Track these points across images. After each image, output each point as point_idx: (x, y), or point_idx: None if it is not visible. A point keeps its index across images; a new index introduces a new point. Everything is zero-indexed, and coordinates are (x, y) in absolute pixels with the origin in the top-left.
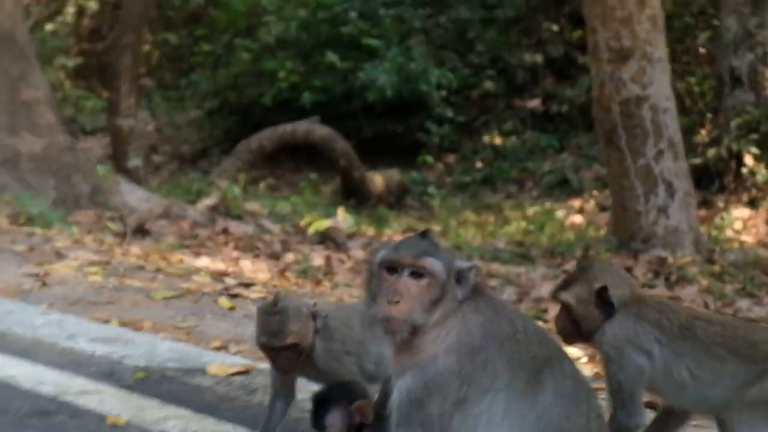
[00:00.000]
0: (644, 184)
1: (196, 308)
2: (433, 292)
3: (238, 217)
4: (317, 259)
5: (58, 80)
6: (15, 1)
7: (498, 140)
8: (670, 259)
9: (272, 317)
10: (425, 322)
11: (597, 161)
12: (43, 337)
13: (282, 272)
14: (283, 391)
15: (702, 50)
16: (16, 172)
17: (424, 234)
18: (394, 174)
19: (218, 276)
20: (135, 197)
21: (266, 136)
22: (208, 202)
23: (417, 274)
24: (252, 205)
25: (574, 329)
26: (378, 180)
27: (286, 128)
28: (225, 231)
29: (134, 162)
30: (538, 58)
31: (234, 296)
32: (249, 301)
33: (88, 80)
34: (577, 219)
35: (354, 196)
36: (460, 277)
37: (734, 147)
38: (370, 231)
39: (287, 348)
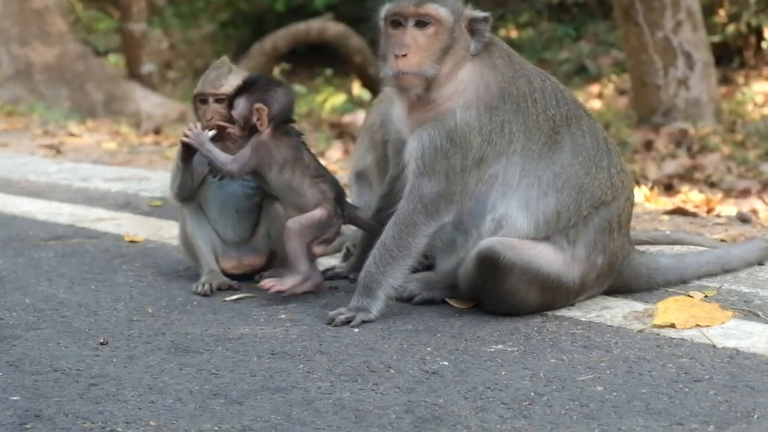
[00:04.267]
0: (663, 57)
1: None
2: (441, 40)
3: None
4: (336, 152)
5: (69, 3)
6: None
7: (514, 33)
8: (692, 131)
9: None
10: (436, 72)
11: (614, 47)
12: (57, 181)
13: None
14: None
15: None
16: (30, 83)
17: None
18: None
19: None
20: (150, 103)
21: (280, 37)
22: None
23: (422, 23)
24: None
25: None
26: None
27: (300, 27)
28: None
29: (148, 67)
30: None
31: None
32: None
33: (99, 2)
34: (596, 104)
35: (371, 91)
36: (473, 27)
37: (753, 22)
38: None
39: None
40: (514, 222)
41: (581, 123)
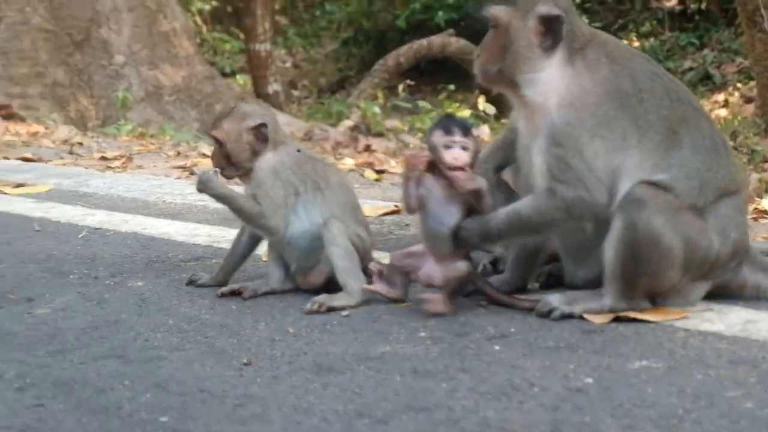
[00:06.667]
0: None
1: None
2: (500, 39)
3: (379, 135)
4: None
5: (195, 25)
6: None
7: (636, 43)
8: None
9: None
10: (493, 71)
11: (739, 54)
12: (193, 202)
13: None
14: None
15: None
16: (159, 105)
17: None
18: None
19: (363, 165)
20: None
21: (402, 53)
22: (348, 122)
23: (492, 24)
24: (392, 122)
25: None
26: None
27: (422, 43)
28: (367, 148)
29: (273, 87)
30: None
31: (380, 172)
32: (395, 176)
33: (224, 24)
34: (722, 112)
35: (494, 106)
36: (546, 25)
37: None
38: None
39: (217, 141)
40: None
41: (700, 123)
